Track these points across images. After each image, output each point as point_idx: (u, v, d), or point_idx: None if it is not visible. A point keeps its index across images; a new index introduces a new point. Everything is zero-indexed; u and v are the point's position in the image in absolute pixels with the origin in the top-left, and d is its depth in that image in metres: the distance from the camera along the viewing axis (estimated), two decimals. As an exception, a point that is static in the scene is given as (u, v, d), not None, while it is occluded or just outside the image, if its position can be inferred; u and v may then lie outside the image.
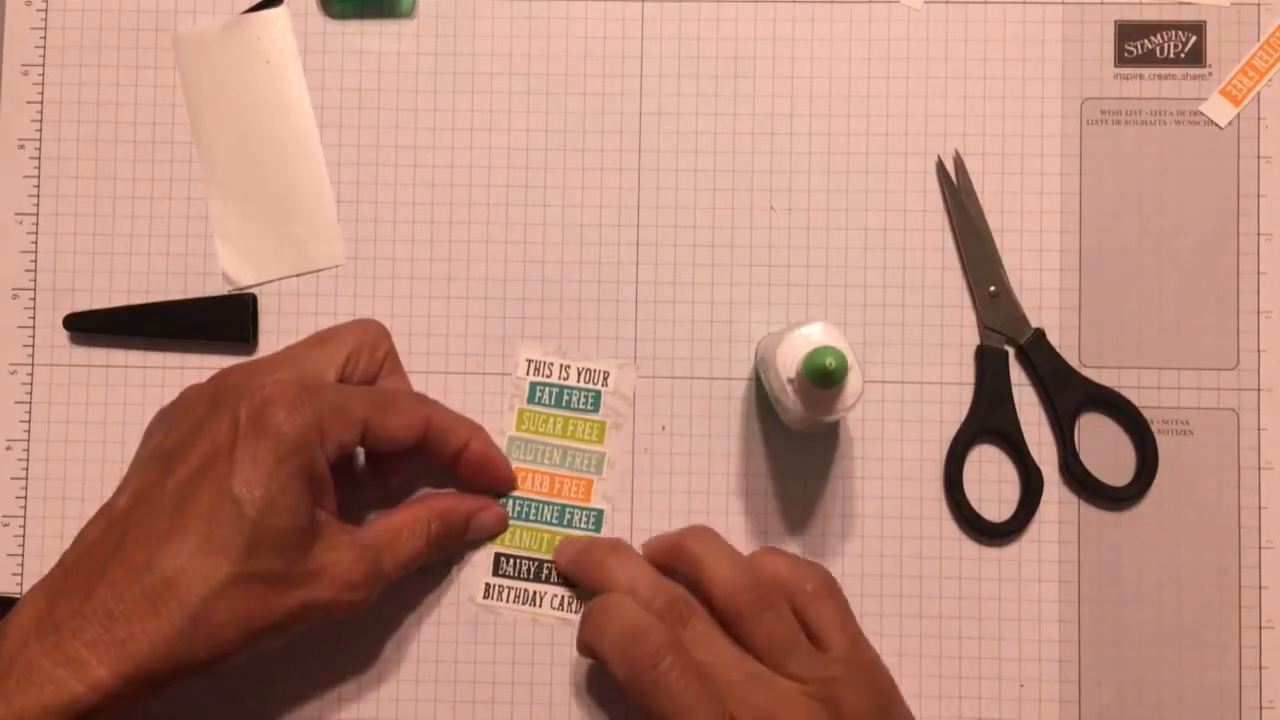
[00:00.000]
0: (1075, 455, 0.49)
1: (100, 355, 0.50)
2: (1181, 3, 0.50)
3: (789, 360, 0.42)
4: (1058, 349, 0.49)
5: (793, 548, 0.49)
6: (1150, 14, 0.50)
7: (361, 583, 0.42)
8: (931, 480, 0.49)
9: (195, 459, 0.40)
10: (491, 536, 0.49)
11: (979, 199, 0.50)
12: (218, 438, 0.40)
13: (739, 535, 0.49)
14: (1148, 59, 0.50)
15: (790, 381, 0.42)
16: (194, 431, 0.41)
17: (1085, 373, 0.49)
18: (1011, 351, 0.50)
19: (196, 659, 0.39)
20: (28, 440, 0.50)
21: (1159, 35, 0.50)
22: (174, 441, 0.42)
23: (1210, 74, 0.50)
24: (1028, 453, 0.49)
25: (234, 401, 0.41)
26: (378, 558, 0.43)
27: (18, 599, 0.47)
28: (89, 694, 0.37)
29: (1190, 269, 0.50)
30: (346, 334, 0.47)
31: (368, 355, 0.46)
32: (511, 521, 0.49)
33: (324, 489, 0.42)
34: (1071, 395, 0.49)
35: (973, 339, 0.50)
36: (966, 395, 0.49)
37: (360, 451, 0.48)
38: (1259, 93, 0.50)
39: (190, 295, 0.50)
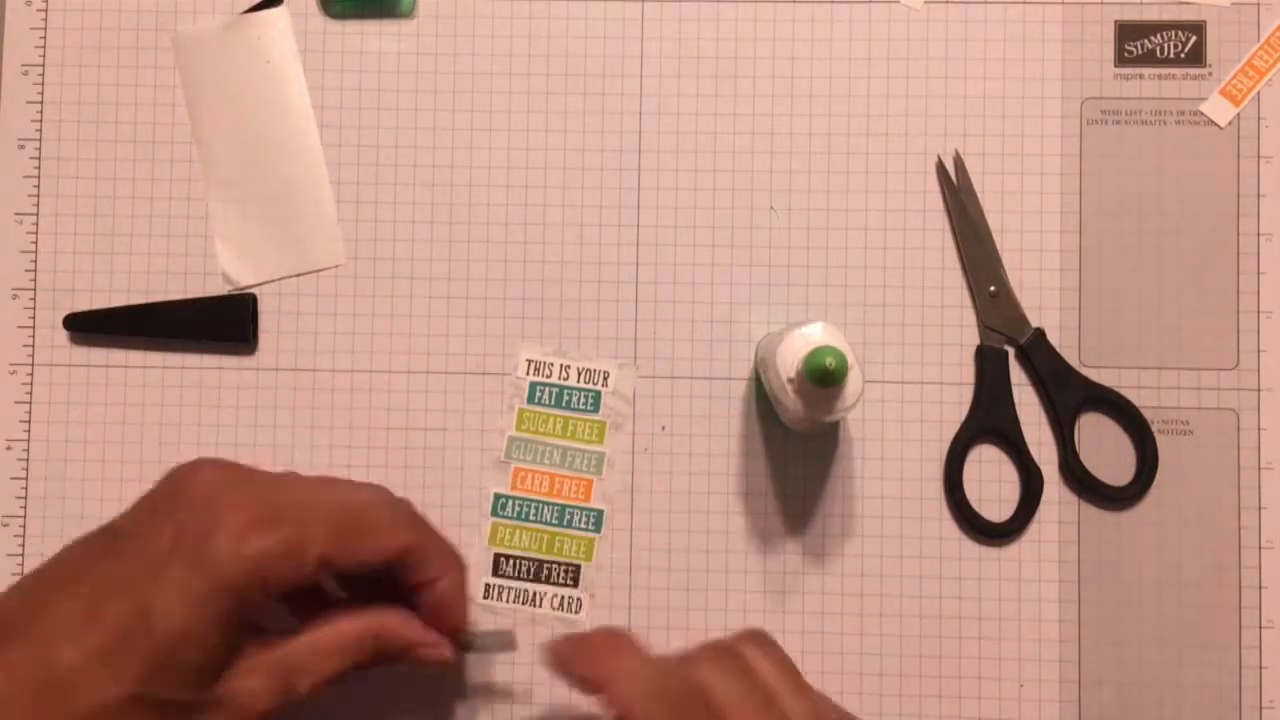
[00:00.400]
0: (1075, 455, 0.49)
1: (100, 355, 0.50)
2: (1181, 3, 0.50)
3: (789, 360, 0.42)
4: (1058, 349, 0.49)
5: (793, 548, 0.49)
6: (1150, 14, 0.50)
7: (265, 712, 0.39)
8: (931, 480, 0.49)
9: (125, 560, 0.38)
10: (431, 670, 0.45)
11: (979, 199, 0.50)
12: (154, 547, 0.38)
13: (739, 535, 0.49)
14: (1148, 59, 0.50)
15: (790, 381, 0.42)
16: (138, 525, 0.39)
17: (1085, 373, 0.49)
18: (1011, 351, 0.50)
19: None
20: (28, 440, 0.50)
21: (1159, 35, 0.50)
22: (125, 521, 0.39)
23: (1210, 74, 0.50)
24: (1028, 453, 0.49)
25: (184, 510, 0.38)
26: (291, 681, 0.39)
27: None
28: None
29: (1190, 269, 0.50)
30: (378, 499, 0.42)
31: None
32: (512, 522, 0.49)
33: (257, 617, 0.39)
34: (1071, 395, 0.49)
35: (973, 339, 0.50)
36: (966, 395, 0.49)
37: None
38: (1259, 93, 0.50)
39: (190, 295, 0.50)
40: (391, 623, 0.42)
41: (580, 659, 0.41)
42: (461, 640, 0.43)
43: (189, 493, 0.39)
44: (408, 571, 0.42)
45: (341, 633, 0.41)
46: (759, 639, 0.41)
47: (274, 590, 0.38)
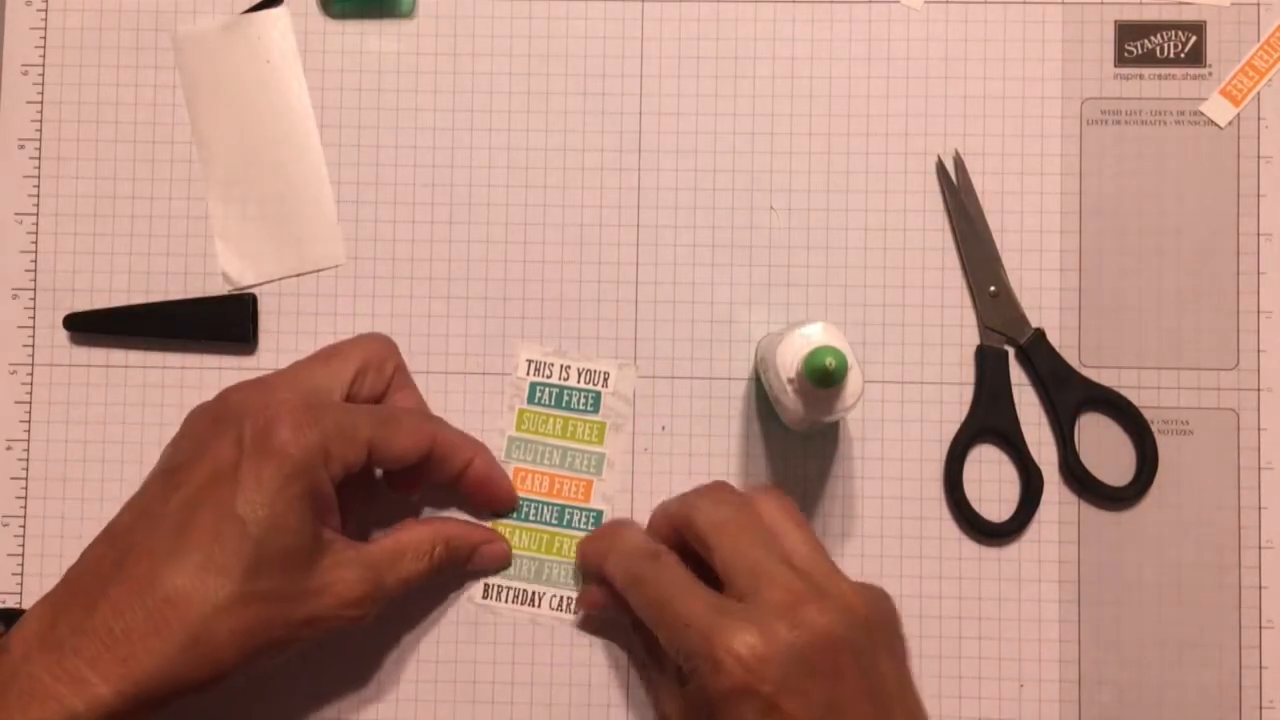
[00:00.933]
0: (1075, 455, 0.49)
1: (100, 355, 0.50)
2: (1181, 3, 0.50)
3: (789, 360, 0.42)
4: (1058, 349, 0.49)
5: (793, 548, 0.49)
6: (1150, 14, 0.50)
7: (361, 600, 0.42)
8: (931, 480, 0.49)
9: (199, 477, 0.40)
10: (494, 572, 0.49)
11: (979, 199, 0.50)
12: (222, 456, 0.40)
13: (739, 535, 0.49)
14: (1148, 59, 0.50)
15: (790, 381, 0.42)
16: (198, 449, 0.41)
17: (1085, 373, 0.49)
18: (1011, 351, 0.50)
19: (197, 678, 0.39)
20: (28, 440, 0.50)
21: (1159, 35, 0.50)
22: (178, 459, 0.42)
23: (1210, 74, 0.50)
24: (1028, 453, 0.49)
25: (239, 420, 0.41)
26: (379, 576, 0.43)
27: (22, 610, 0.48)
28: (88, 711, 0.37)
29: (1190, 269, 0.50)
30: (353, 350, 0.46)
31: (375, 372, 0.46)
32: (512, 522, 0.49)
33: (328, 508, 0.42)
34: (1071, 395, 0.49)
35: (973, 339, 0.50)
36: (966, 395, 0.49)
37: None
38: (1259, 93, 0.50)
39: (190, 295, 0.50)
40: (457, 526, 0.48)
41: (584, 548, 0.48)
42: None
43: (234, 409, 0.42)
44: (442, 465, 0.46)
45: (416, 535, 0.45)
46: (771, 488, 0.46)
47: (335, 473, 0.42)
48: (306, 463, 0.40)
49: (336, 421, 0.42)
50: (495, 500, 0.48)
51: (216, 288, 0.50)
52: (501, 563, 0.48)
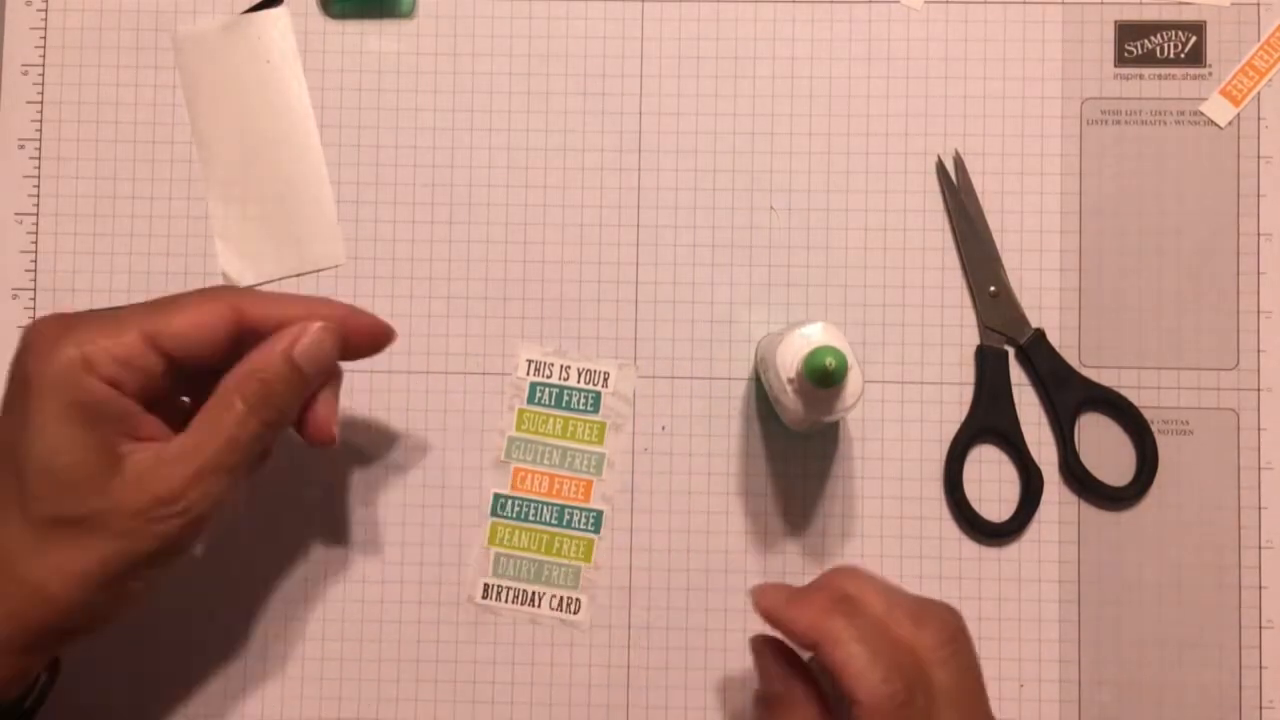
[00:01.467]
0: (1075, 455, 0.49)
1: (100, 355, 0.50)
2: (1181, 3, 0.50)
3: (789, 360, 0.42)
4: (1058, 349, 0.49)
5: (793, 548, 0.49)
6: (1150, 14, 0.50)
7: (181, 492, 0.38)
8: (931, 480, 0.49)
9: None
10: (335, 357, 0.41)
11: (979, 199, 0.50)
12: (5, 401, 0.39)
13: (739, 535, 0.49)
14: (1148, 59, 0.50)
15: (790, 381, 0.42)
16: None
17: (1085, 373, 0.49)
18: (1011, 351, 0.50)
19: (47, 622, 0.37)
20: (28, 440, 0.50)
21: (1159, 35, 0.50)
22: None
23: (1210, 74, 0.50)
24: (1028, 453, 0.49)
25: (17, 363, 0.39)
26: (194, 454, 0.38)
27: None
28: None
29: (1190, 269, 0.50)
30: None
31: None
32: (511, 522, 0.49)
33: (121, 415, 0.39)
34: (1071, 395, 0.49)
35: (973, 339, 0.50)
36: (966, 395, 0.49)
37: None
38: (1259, 93, 0.50)
39: (190, 295, 0.50)
40: (249, 358, 0.40)
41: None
42: None
43: (23, 345, 0.39)
44: (268, 333, 0.40)
45: (215, 395, 0.40)
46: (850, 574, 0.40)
47: (110, 374, 0.38)
48: (61, 375, 0.37)
49: (92, 324, 0.39)
50: (375, 336, 0.42)
51: (216, 288, 0.50)
52: (331, 341, 0.41)
